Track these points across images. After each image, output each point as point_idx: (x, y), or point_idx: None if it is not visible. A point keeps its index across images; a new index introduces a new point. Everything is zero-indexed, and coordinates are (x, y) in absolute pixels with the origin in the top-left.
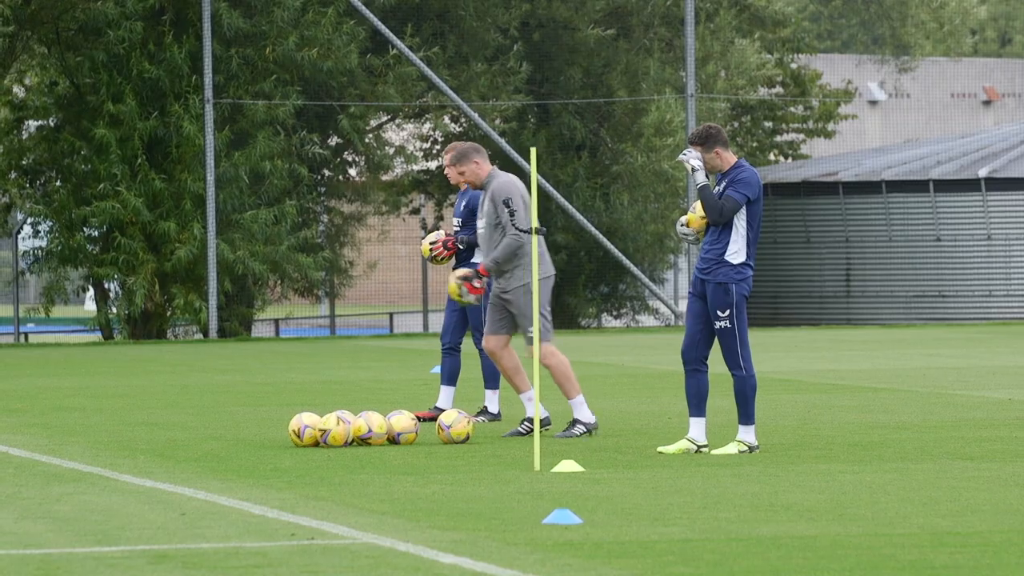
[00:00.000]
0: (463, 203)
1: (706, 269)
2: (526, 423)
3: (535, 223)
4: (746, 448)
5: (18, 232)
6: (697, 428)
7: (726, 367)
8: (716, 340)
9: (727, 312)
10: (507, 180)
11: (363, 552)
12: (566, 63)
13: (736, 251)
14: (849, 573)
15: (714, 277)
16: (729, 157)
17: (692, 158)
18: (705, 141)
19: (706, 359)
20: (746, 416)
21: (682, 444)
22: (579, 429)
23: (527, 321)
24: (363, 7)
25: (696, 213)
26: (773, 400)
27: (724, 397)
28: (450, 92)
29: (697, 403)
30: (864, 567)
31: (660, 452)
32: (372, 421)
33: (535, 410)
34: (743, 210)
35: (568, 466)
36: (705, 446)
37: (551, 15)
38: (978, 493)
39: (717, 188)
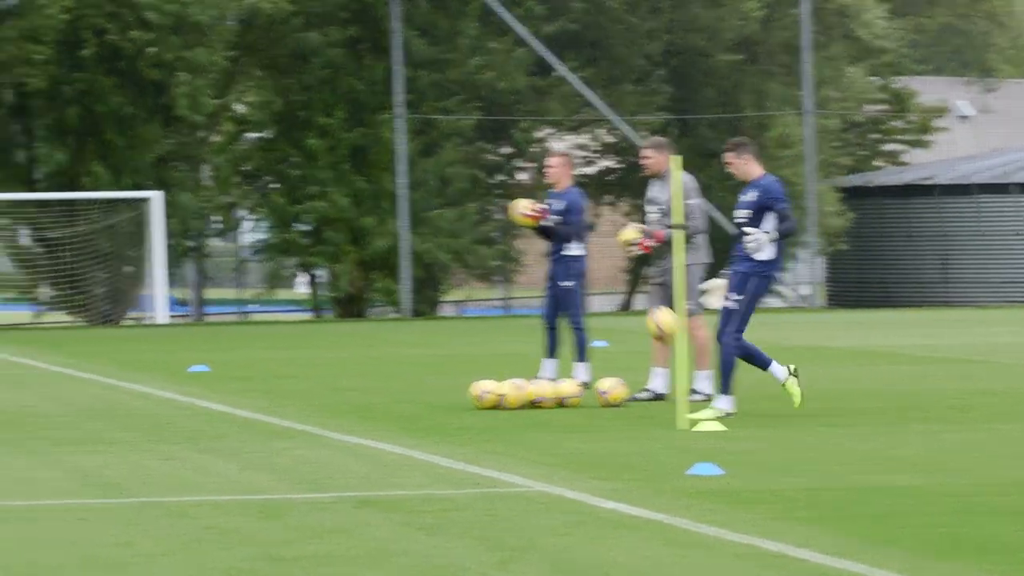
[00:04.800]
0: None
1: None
2: (648, 391)
3: (681, 220)
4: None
5: (239, 228)
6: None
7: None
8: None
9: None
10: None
11: (536, 499)
12: (701, 84)
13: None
14: (948, 516)
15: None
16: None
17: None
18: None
19: None
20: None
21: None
22: (697, 397)
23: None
24: (530, 37)
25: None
26: (880, 371)
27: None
28: (605, 108)
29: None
30: (961, 511)
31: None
32: (543, 388)
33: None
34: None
35: (709, 425)
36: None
37: (688, 44)
38: None
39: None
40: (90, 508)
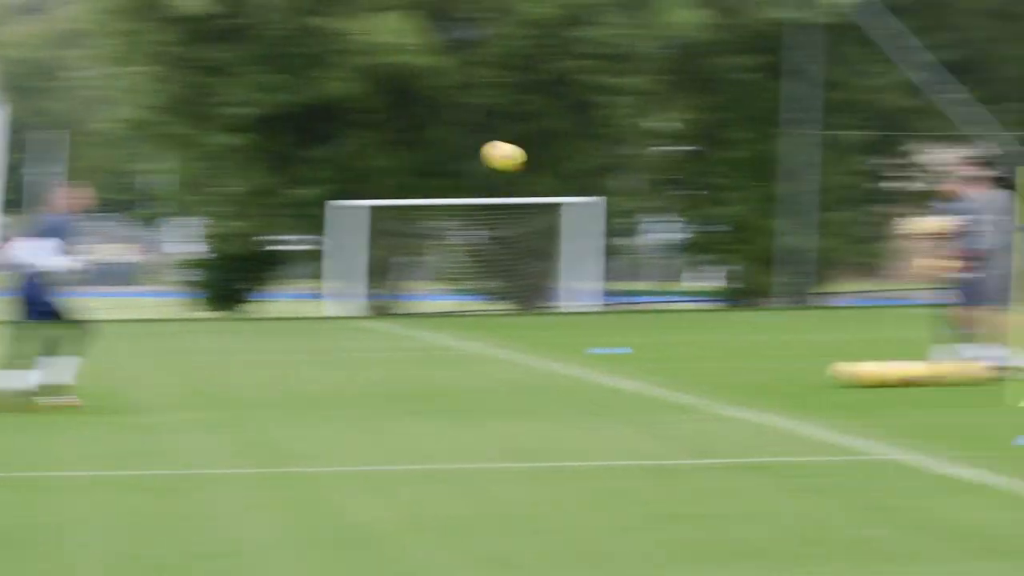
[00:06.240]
0: None
1: None
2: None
3: None
4: None
5: (657, 228)
6: None
7: None
8: None
9: None
10: None
11: (896, 466)
12: None
13: None
14: None
15: None
16: None
17: None
18: None
19: None
20: None
21: None
22: None
23: None
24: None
25: None
26: None
27: None
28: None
29: None
30: None
31: None
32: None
33: None
34: None
35: None
36: None
37: None
38: None
39: None
40: (506, 471)
